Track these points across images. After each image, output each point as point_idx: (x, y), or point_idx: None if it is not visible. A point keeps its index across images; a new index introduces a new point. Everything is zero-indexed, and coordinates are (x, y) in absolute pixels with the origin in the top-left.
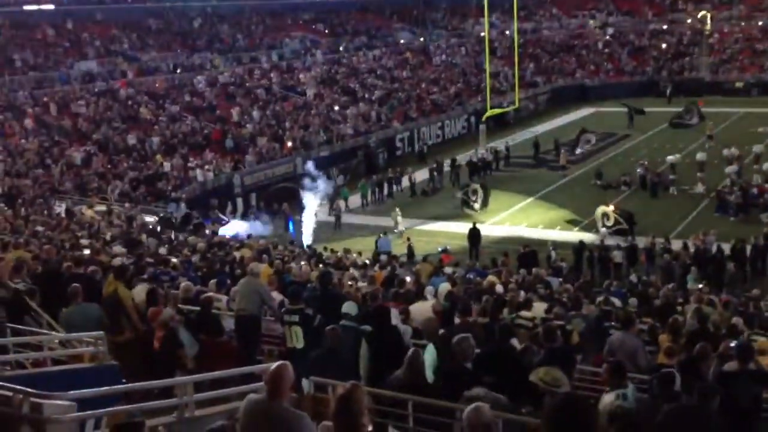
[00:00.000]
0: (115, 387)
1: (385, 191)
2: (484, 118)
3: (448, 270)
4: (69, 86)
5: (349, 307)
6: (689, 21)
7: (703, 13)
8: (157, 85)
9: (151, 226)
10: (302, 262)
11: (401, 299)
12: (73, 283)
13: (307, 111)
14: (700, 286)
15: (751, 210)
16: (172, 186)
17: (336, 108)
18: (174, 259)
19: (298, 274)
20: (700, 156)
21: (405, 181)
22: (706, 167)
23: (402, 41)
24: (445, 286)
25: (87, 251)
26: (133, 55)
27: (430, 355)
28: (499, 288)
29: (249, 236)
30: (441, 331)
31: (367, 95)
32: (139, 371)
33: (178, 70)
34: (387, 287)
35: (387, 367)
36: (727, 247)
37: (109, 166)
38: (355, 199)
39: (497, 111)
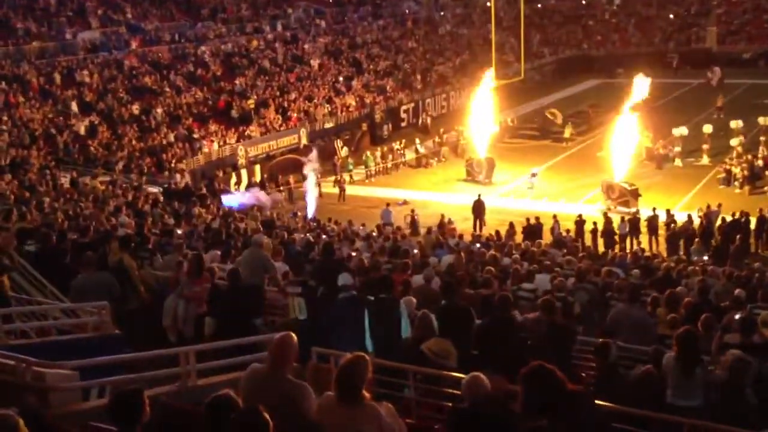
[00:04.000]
0: (117, 356)
1: (389, 163)
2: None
3: (451, 242)
4: (73, 56)
5: (344, 279)
6: None
7: None
8: (160, 55)
9: (155, 197)
10: (306, 234)
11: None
12: (77, 253)
13: (312, 82)
14: (705, 258)
15: (756, 182)
16: (177, 157)
17: (341, 79)
18: (178, 230)
19: (302, 246)
20: (706, 128)
21: (409, 153)
22: (711, 139)
23: (407, 11)
24: (448, 258)
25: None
26: (136, 24)
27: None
28: (504, 260)
29: (253, 207)
30: (443, 302)
31: (372, 66)
32: (144, 340)
33: (182, 40)
34: (390, 258)
35: (389, 337)
36: (731, 220)
37: (113, 137)
38: (359, 171)
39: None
